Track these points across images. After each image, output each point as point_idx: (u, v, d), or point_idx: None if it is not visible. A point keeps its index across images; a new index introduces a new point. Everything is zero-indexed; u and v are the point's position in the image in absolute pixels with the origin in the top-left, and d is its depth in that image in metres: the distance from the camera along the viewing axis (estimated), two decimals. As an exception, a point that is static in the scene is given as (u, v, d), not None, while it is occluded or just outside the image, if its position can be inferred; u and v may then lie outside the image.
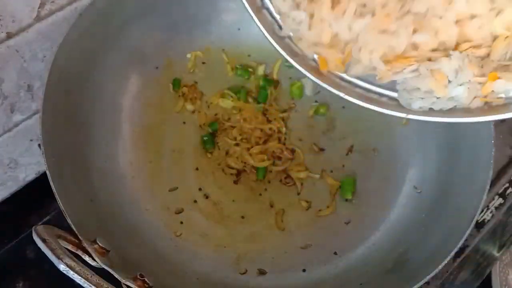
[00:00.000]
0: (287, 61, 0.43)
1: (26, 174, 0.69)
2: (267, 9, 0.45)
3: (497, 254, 0.70)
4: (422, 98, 0.41)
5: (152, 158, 0.64)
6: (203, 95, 0.69)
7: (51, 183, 0.46)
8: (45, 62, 0.60)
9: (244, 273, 0.56)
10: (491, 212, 0.66)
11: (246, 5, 0.45)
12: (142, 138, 0.64)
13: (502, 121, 0.74)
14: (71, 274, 0.38)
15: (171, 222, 0.59)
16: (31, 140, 0.66)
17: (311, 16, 0.41)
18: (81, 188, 0.52)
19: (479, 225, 0.65)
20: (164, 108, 0.67)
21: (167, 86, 0.68)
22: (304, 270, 0.57)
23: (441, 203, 0.56)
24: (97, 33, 0.59)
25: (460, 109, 0.40)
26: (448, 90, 0.39)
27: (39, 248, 0.39)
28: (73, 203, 0.48)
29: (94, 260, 0.41)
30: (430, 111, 0.41)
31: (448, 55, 0.38)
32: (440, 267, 0.47)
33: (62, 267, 0.38)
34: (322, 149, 0.66)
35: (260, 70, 0.70)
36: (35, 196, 0.66)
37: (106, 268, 0.41)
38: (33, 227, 0.40)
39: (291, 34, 0.44)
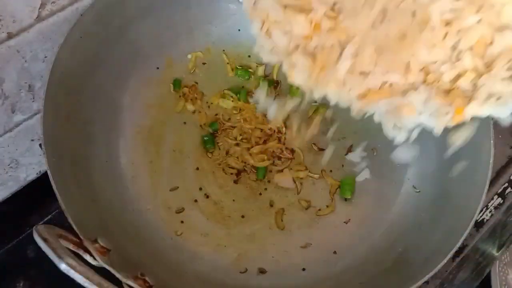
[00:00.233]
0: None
1: (27, 174, 0.69)
2: None
3: (496, 254, 0.71)
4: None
5: (153, 158, 0.64)
6: (204, 96, 0.69)
7: (52, 183, 0.46)
8: (46, 62, 0.60)
9: (244, 272, 0.56)
10: (490, 211, 0.66)
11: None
12: (143, 138, 0.64)
13: (502, 121, 0.74)
14: (72, 273, 0.38)
15: (172, 221, 0.59)
16: (32, 140, 0.66)
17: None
18: (82, 187, 0.52)
19: (479, 225, 0.65)
20: (164, 108, 0.67)
21: (167, 86, 0.68)
22: (304, 269, 0.57)
23: (440, 202, 0.56)
24: (98, 33, 0.59)
25: None
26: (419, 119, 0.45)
27: (39, 248, 0.39)
28: (74, 202, 0.48)
29: (95, 259, 0.41)
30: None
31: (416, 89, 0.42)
32: (439, 266, 0.48)
33: (63, 267, 0.38)
34: (322, 149, 0.66)
35: (260, 71, 0.70)
36: (36, 196, 0.66)
37: (107, 267, 0.41)
38: (34, 226, 0.40)
39: None
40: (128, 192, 0.59)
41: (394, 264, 0.53)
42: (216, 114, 0.68)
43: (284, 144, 0.66)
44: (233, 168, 0.65)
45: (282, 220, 0.62)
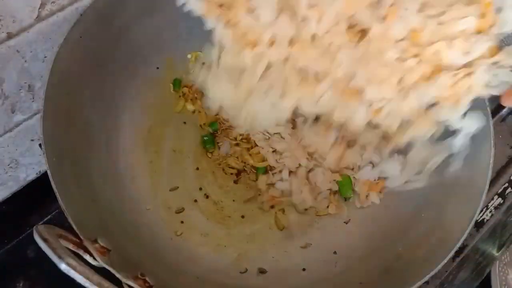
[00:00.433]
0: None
1: (27, 174, 0.69)
2: None
3: (496, 254, 0.71)
4: None
5: (153, 157, 0.64)
6: (204, 95, 0.69)
7: (52, 183, 0.46)
8: (46, 62, 0.60)
9: (244, 272, 0.56)
10: (490, 212, 0.66)
11: None
12: (143, 138, 0.64)
13: (502, 120, 0.75)
14: (72, 273, 0.38)
15: (172, 221, 0.59)
16: (32, 140, 0.66)
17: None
18: (82, 187, 0.52)
19: (479, 225, 0.65)
20: (164, 108, 0.67)
21: (167, 86, 0.68)
22: (304, 269, 0.57)
23: (441, 202, 0.56)
24: (98, 33, 0.59)
25: None
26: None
27: (39, 248, 0.39)
28: (74, 202, 0.48)
29: (95, 259, 0.41)
30: None
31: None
32: (439, 266, 0.48)
33: (63, 267, 0.38)
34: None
35: (260, 70, 0.70)
36: (36, 196, 0.66)
37: (107, 267, 0.41)
38: (34, 226, 0.40)
39: None
40: (128, 192, 0.59)
41: (394, 264, 0.53)
42: (216, 114, 0.68)
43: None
44: (233, 168, 0.65)
45: (282, 220, 0.62)
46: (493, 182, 0.68)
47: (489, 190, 0.53)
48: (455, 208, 0.53)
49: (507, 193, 0.68)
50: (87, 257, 0.42)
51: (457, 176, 0.56)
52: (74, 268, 0.38)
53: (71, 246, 0.42)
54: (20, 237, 0.64)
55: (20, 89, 0.60)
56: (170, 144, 0.65)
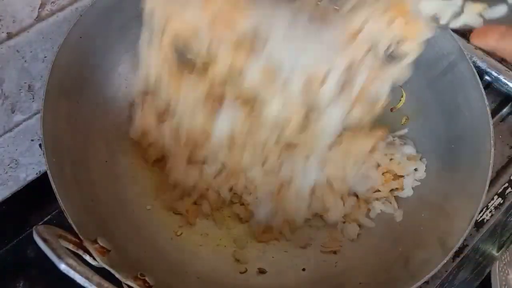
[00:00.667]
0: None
1: (27, 174, 0.69)
2: None
3: (496, 254, 0.71)
4: None
5: (153, 158, 0.64)
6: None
7: (52, 183, 0.46)
8: (46, 63, 0.60)
9: (244, 272, 0.56)
10: (490, 212, 0.66)
11: None
12: (143, 138, 0.64)
13: (502, 120, 0.75)
14: (72, 273, 0.38)
15: (172, 221, 0.59)
16: (32, 140, 0.66)
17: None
18: (81, 188, 0.52)
19: (479, 225, 0.65)
20: (164, 108, 0.67)
21: (167, 86, 0.68)
22: (304, 269, 0.57)
23: (441, 202, 0.56)
24: (98, 33, 0.59)
25: None
26: None
27: (39, 248, 0.39)
28: (73, 202, 0.48)
29: (95, 259, 0.41)
30: None
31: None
32: (439, 266, 0.48)
33: (62, 267, 0.38)
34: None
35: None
36: (36, 196, 0.66)
37: (106, 267, 0.41)
38: (34, 226, 0.40)
39: None
40: (128, 192, 0.59)
41: (394, 264, 0.53)
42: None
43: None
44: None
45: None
46: (493, 182, 0.68)
47: (489, 190, 0.53)
48: (455, 208, 0.53)
49: (507, 193, 0.68)
50: (87, 257, 0.42)
51: (457, 175, 0.56)
52: (73, 268, 0.38)
53: (71, 246, 0.42)
54: (20, 237, 0.64)
55: (20, 89, 0.60)
56: (170, 144, 0.65)
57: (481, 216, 0.66)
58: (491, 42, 0.42)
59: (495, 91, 0.75)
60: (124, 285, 0.41)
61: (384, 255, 0.55)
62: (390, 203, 0.59)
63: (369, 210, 0.60)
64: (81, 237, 0.42)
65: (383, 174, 0.60)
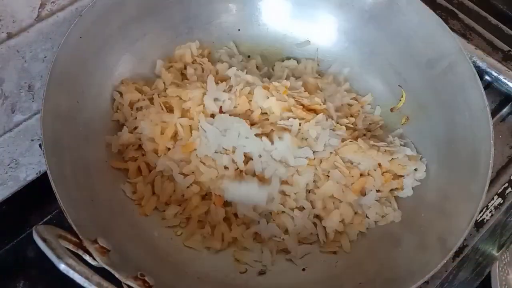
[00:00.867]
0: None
1: (27, 174, 0.69)
2: None
3: (496, 254, 0.71)
4: None
5: (153, 158, 0.64)
6: (203, 95, 0.69)
7: (52, 183, 0.46)
8: (45, 63, 0.60)
9: (244, 272, 0.56)
10: (490, 212, 0.66)
11: None
12: (143, 138, 0.64)
13: (502, 120, 0.75)
14: (72, 273, 0.38)
15: (172, 221, 0.59)
16: (32, 140, 0.66)
17: None
18: (81, 187, 0.52)
19: (479, 225, 0.65)
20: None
21: (167, 86, 0.68)
22: (304, 269, 0.57)
23: (441, 202, 0.56)
24: (98, 33, 0.59)
25: None
26: None
27: (39, 248, 0.39)
28: (73, 202, 0.48)
29: (95, 259, 0.41)
30: None
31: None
32: (439, 266, 0.48)
33: (62, 267, 0.38)
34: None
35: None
36: (36, 196, 0.66)
37: (106, 267, 0.41)
38: (34, 226, 0.40)
39: None
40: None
41: (394, 264, 0.53)
42: (217, 113, 0.67)
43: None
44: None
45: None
46: (493, 182, 0.68)
47: (489, 190, 0.53)
48: (455, 208, 0.53)
49: (507, 193, 0.68)
50: (86, 257, 0.42)
51: (457, 175, 0.56)
52: (73, 268, 0.38)
53: (70, 246, 0.42)
54: (20, 237, 0.64)
55: (20, 89, 0.60)
56: (170, 144, 0.65)
57: (481, 216, 0.66)
58: None
59: (495, 91, 0.75)
60: (124, 285, 0.41)
61: (384, 255, 0.55)
62: (390, 203, 0.59)
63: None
64: (81, 237, 0.42)
65: (383, 174, 0.59)
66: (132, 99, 0.61)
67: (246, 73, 0.63)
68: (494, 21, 0.85)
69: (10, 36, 0.55)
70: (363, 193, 0.59)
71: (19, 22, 0.55)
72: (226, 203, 0.59)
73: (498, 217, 0.66)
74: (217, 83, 0.60)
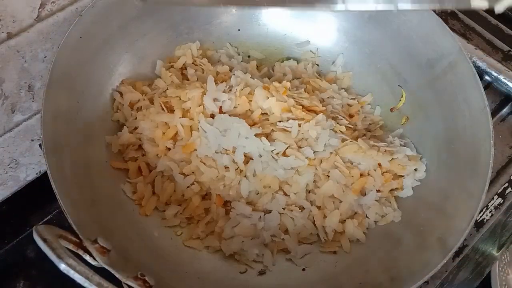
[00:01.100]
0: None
1: (27, 174, 0.69)
2: None
3: (496, 254, 0.70)
4: None
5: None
6: (203, 95, 0.69)
7: (52, 183, 0.46)
8: (45, 62, 0.60)
9: (244, 272, 0.56)
10: (490, 212, 0.66)
11: None
12: (143, 138, 0.64)
13: (502, 120, 0.75)
14: (72, 273, 0.38)
15: (172, 221, 0.59)
16: (32, 140, 0.66)
17: None
18: (81, 187, 0.52)
19: (479, 225, 0.65)
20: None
21: (167, 86, 0.68)
22: (304, 269, 0.57)
23: (441, 202, 0.56)
24: (98, 33, 0.59)
25: None
26: None
27: (39, 248, 0.39)
28: (73, 202, 0.48)
29: (95, 259, 0.41)
30: None
31: None
32: (439, 266, 0.48)
33: (62, 267, 0.38)
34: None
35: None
36: (36, 196, 0.66)
37: (106, 267, 0.41)
38: (34, 226, 0.40)
39: None
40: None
41: (394, 264, 0.53)
42: (217, 114, 0.67)
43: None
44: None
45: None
46: (493, 182, 0.68)
47: (489, 190, 0.53)
48: (455, 208, 0.53)
49: (507, 193, 0.68)
50: (87, 257, 0.42)
51: (457, 175, 0.56)
52: (74, 268, 0.38)
53: (71, 246, 0.42)
54: (20, 237, 0.64)
55: (20, 89, 0.60)
56: (170, 144, 0.65)
57: (481, 216, 0.66)
58: None
59: (495, 91, 0.75)
60: (124, 285, 0.41)
61: (384, 255, 0.55)
62: (390, 203, 0.59)
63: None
64: (81, 237, 0.42)
65: (383, 174, 0.60)
66: (132, 99, 0.61)
67: (246, 73, 0.63)
68: (494, 21, 0.85)
69: (10, 36, 0.55)
70: (363, 193, 0.59)
71: (19, 22, 0.55)
72: (226, 203, 0.59)
73: (498, 217, 0.66)
74: (217, 83, 0.60)
